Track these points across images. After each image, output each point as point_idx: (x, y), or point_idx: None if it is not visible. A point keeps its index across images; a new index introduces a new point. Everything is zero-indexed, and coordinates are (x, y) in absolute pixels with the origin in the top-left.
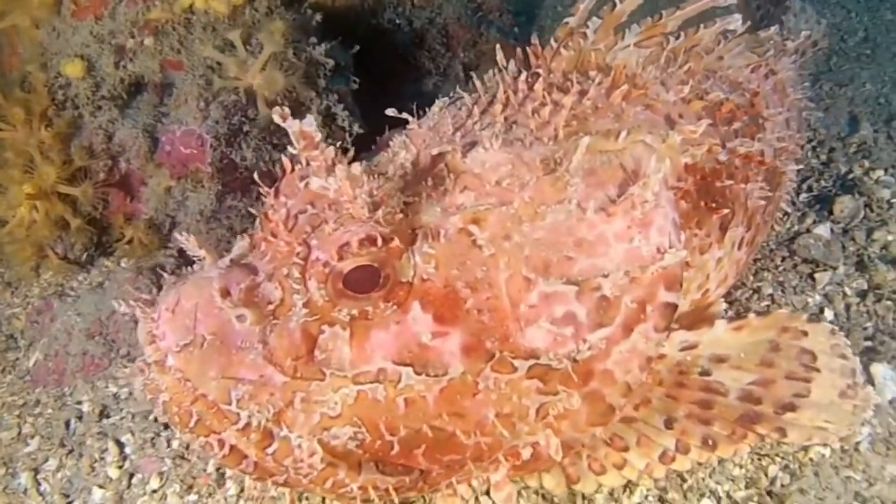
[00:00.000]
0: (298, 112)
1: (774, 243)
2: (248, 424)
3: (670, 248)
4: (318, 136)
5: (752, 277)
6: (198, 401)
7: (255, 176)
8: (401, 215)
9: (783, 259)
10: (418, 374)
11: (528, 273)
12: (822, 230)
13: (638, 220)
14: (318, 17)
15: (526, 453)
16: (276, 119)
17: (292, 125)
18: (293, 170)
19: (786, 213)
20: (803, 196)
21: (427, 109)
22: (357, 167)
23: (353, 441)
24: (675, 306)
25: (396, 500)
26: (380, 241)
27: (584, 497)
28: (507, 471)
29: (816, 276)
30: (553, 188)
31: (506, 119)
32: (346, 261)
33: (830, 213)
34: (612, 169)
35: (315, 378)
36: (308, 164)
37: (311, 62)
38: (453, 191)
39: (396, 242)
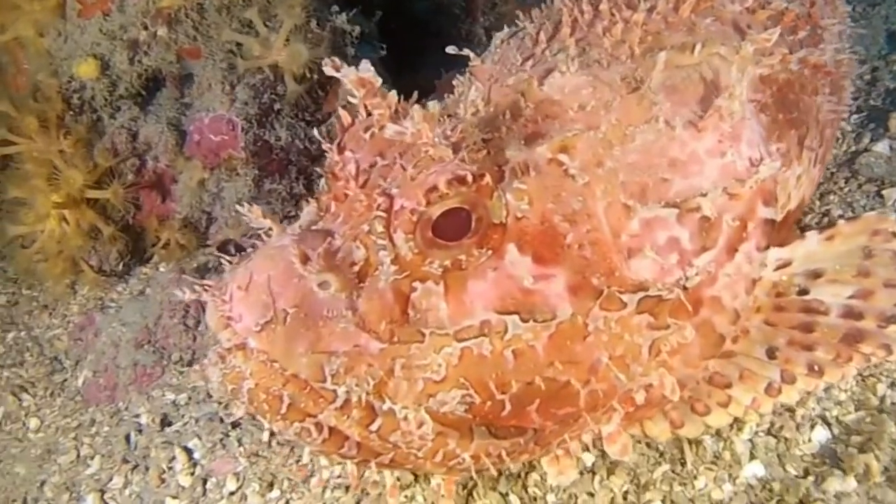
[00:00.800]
0: (330, 83)
1: (834, 165)
2: (347, 401)
3: (762, 161)
4: (379, 81)
5: (818, 202)
6: (289, 382)
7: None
8: (484, 152)
9: (846, 180)
10: (525, 321)
11: (627, 200)
12: (882, 147)
13: (728, 133)
14: None
15: (640, 397)
16: (329, 71)
17: (349, 73)
18: (353, 122)
19: (842, 134)
20: (855, 117)
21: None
22: (433, 106)
23: (461, 405)
24: (774, 222)
25: (512, 466)
26: (469, 179)
27: (690, 441)
28: (620, 419)
29: (884, 193)
30: (639, 107)
31: (577, 42)
32: (434, 205)
33: (886, 129)
34: (693, 83)
35: (414, 341)
36: (369, 113)
37: (336, 31)
38: (535, 121)
39: (487, 179)
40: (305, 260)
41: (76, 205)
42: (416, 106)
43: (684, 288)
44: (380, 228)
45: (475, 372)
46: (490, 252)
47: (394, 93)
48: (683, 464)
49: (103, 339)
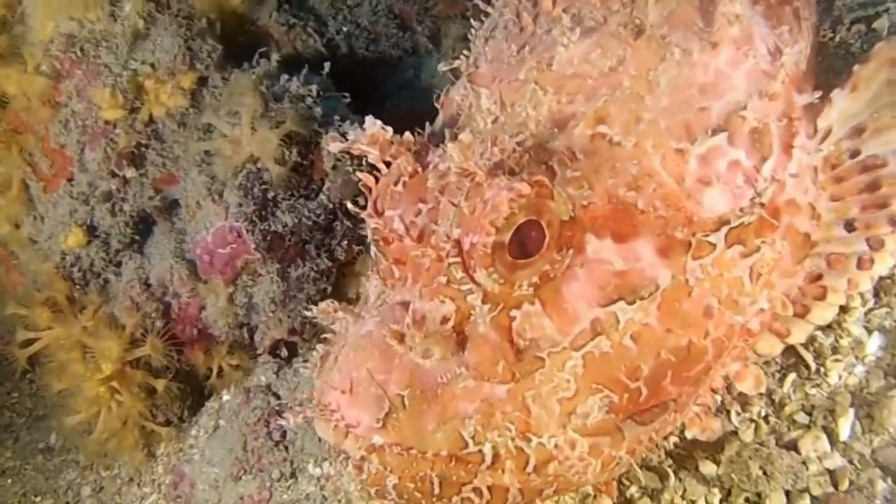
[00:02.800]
0: (312, 150)
1: None
2: (496, 455)
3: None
4: (389, 131)
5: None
6: (433, 462)
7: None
8: (526, 156)
9: (833, 30)
10: (631, 303)
11: (677, 144)
12: None
13: (741, 37)
14: (277, 57)
15: (755, 325)
16: (336, 147)
17: (358, 137)
18: (377, 181)
19: None
20: None
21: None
22: (465, 135)
23: (602, 409)
24: (812, 105)
25: (664, 443)
26: (526, 189)
27: (804, 345)
28: (744, 354)
29: (875, 25)
30: (650, 49)
31: (565, 11)
32: (503, 229)
33: None
34: (688, 2)
35: (535, 369)
36: (389, 165)
37: (295, 99)
38: (560, 104)
39: (542, 182)
40: (400, 338)
41: (121, 373)
42: (451, 144)
43: (761, 205)
44: (459, 274)
45: (604, 372)
46: (571, 251)
47: (408, 135)
48: (808, 367)
49: (200, 487)
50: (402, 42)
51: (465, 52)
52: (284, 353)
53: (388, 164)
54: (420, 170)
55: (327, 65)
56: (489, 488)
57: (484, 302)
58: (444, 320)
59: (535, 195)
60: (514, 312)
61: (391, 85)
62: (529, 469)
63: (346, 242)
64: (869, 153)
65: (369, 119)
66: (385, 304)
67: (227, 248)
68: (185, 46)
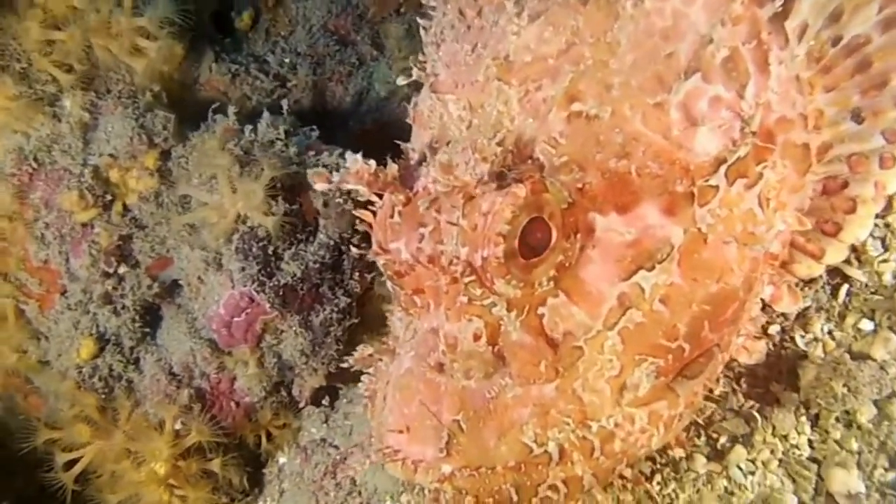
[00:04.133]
0: (297, 193)
1: None
2: (562, 451)
3: None
4: (372, 165)
5: None
6: (504, 475)
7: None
8: (509, 155)
9: None
10: (651, 269)
11: (654, 99)
12: None
13: None
14: (234, 109)
15: (776, 248)
16: (322, 186)
17: (343, 177)
18: (374, 215)
19: None
20: None
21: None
22: (443, 155)
23: (650, 377)
24: (779, 13)
25: (717, 388)
26: (521, 192)
27: (847, 261)
28: (773, 278)
29: None
30: (601, 11)
31: None
32: (509, 236)
33: None
34: None
35: (576, 358)
36: (381, 198)
37: (265, 146)
38: (528, 93)
39: (532, 177)
40: (440, 367)
41: (175, 468)
42: (436, 164)
43: (752, 133)
44: (478, 291)
45: (643, 342)
46: (579, 235)
47: (391, 166)
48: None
49: None
50: (347, 57)
51: (420, 59)
52: (327, 400)
53: (379, 196)
54: (411, 196)
55: (285, 102)
56: (564, 482)
57: (509, 310)
58: (476, 338)
59: (531, 193)
60: (541, 310)
61: (349, 102)
62: (597, 454)
63: (357, 274)
64: (851, 36)
65: (349, 156)
66: (415, 336)
67: (243, 315)
68: (138, 126)
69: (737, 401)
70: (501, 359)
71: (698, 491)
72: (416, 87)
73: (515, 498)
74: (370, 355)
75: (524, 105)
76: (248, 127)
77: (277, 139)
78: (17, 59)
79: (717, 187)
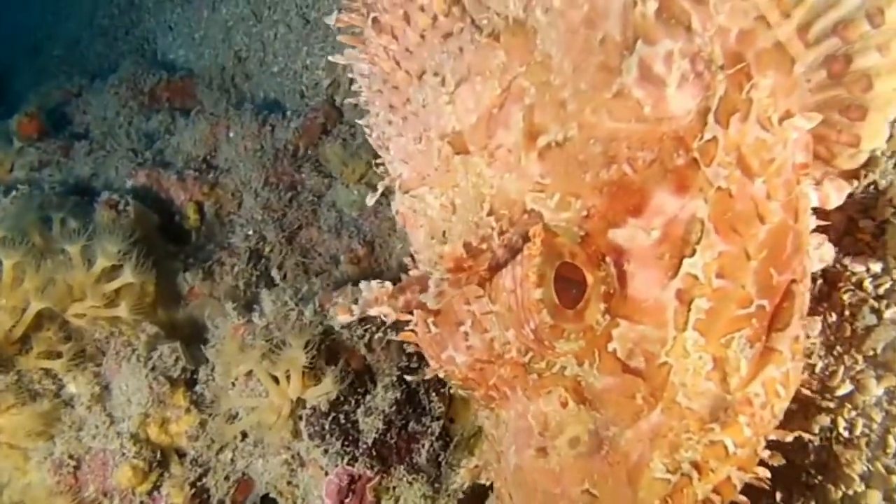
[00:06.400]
0: (338, 347)
1: None
2: (698, 466)
3: None
4: (388, 286)
5: None
6: None
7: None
8: (505, 219)
9: None
10: (693, 253)
11: (609, 90)
12: None
13: None
14: (230, 305)
15: (801, 157)
16: (346, 319)
17: (367, 306)
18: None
19: None
20: None
21: None
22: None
23: (745, 351)
24: None
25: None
26: (534, 248)
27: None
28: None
29: None
30: (518, 35)
31: (422, 76)
32: (546, 297)
33: None
34: None
35: (667, 373)
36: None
37: (281, 322)
38: (491, 152)
39: (536, 228)
40: (543, 452)
41: None
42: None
43: (720, 67)
44: (542, 364)
45: (721, 323)
46: (606, 259)
47: (407, 278)
48: None
49: None
50: (304, 198)
51: (378, 164)
52: None
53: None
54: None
55: (275, 271)
56: (714, 491)
57: (580, 363)
58: (564, 405)
59: (543, 245)
60: (610, 347)
61: (329, 237)
62: (732, 450)
63: (434, 394)
64: None
65: (363, 284)
66: (507, 428)
67: (351, 495)
68: (149, 370)
69: None
70: (597, 410)
71: None
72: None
73: None
74: (476, 467)
75: (493, 165)
76: (254, 313)
77: (289, 310)
78: (3, 371)
79: (714, 138)
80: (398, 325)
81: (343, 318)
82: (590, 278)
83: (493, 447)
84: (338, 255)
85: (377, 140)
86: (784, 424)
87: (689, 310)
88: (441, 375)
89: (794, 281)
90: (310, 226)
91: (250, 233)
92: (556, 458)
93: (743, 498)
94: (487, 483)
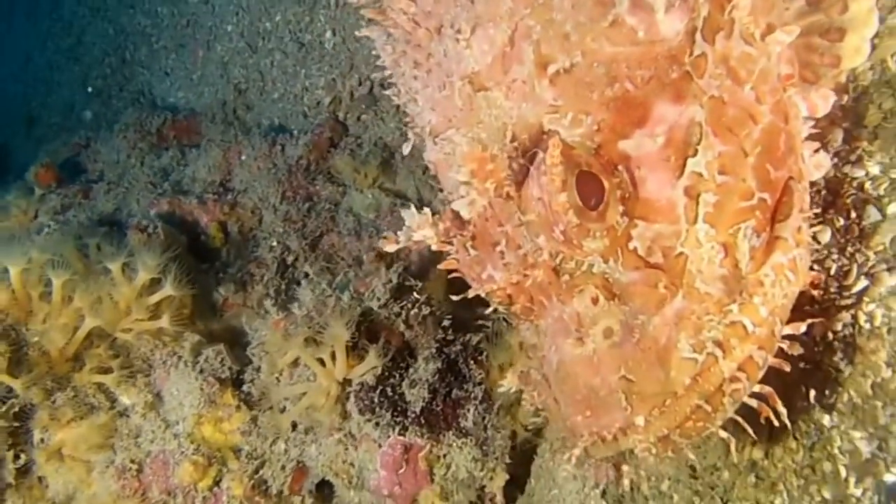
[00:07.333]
0: (376, 326)
1: None
2: (721, 345)
3: None
4: (428, 214)
5: None
6: (688, 394)
7: None
8: (526, 142)
9: None
10: (694, 154)
11: (605, 20)
12: None
13: None
14: (270, 302)
15: (785, 69)
16: (391, 248)
17: (409, 233)
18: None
19: None
20: None
21: None
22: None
23: (751, 238)
24: None
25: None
26: (554, 157)
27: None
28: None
29: None
30: None
31: (440, 29)
32: (570, 199)
33: None
34: None
35: (684, 262)
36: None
37: (320, 308)
38: (508, 86)
39: (555, 139)
40: (580, 342)
41: None
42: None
43: None
44: (572, 264)
45: (727, 214)
46: (620, 166)
47: (446, 210)
48: None
49: None
50: (321, 208)
51: (412, 126)
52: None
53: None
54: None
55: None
56: (739, 368)
57: (606, 261)
58: (595, 301)
59: (562, 155)
60: (631, 245)
61: (349, 242)
62: (751, 329)
63: (472, 361)
64: None
65: (405, 211)
66: (548, 333)
67: (405, 464)
68: (198, 373)
69: None
70: (625, 303)
71: None
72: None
73: (709, 408)
74: (522, 372)
75: (511, 97)
76: (293, 306)
77: (327, 297)
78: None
79: (703, 54)
80: (430, 303)
81: (390, 247)
82: (606, 184)
83: (536, 355)
84: (361, 255)
85: (405, 96)
86: (808, 328)
87: (697, 204)
88: (482, 294)
89: (791, 178)
90: (330, 232)
91: (274, 244)
92: (594, 348)
93: (768, 388)
94: (527, 396)
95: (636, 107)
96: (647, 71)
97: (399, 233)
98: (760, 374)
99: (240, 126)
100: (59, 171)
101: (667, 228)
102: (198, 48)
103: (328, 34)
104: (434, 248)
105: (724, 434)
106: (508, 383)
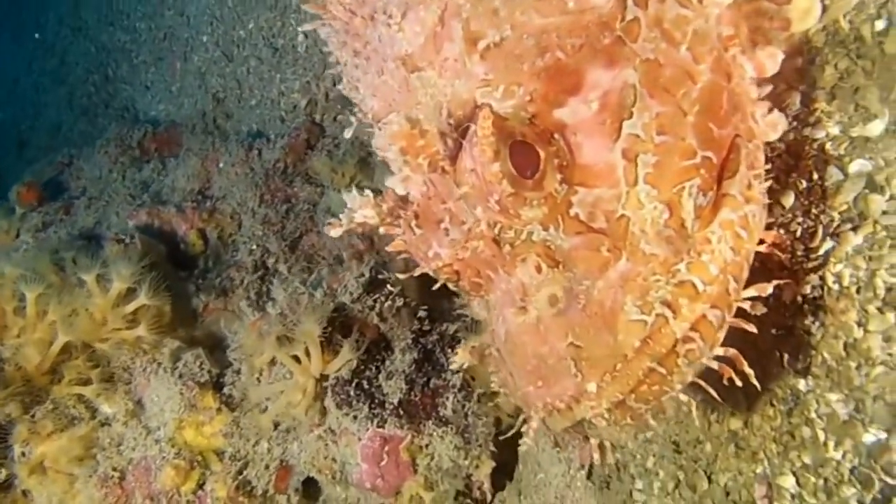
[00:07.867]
0: (350, 321)
1: None
2: (670, 304)
3: None
4: (370, 195)
5: None
6: (639, 357)
7: None
8: (461, 118)
9: None
10: (630, 116)
11: None
12: None
13: None
14: (245, 303)
15: (727, 30)
16: (336, 233)
17: (351, 215)
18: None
19: None
20: None
21: None
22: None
23: (697, 197)
24: None
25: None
26: (485, 128)
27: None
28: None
29: None
30: None
31: (373, 16)
32: (504, 169)
33: None
34: None
35: (626, 224)
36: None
37: (293, 307)
38: (440, 64)
39: (486, 111)
40: (524, 310)
41: None
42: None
43: None
44: (511, 233)
45: (669, 174)
46: (555, 135)
47: (387, 190)
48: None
49: None
50: (300, 209)
51: (356, 113)
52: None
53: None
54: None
55: (276, 280)
56: (692, 329)
57: (545, 227)
58: (538, 269)
59: (494, 126)
60: (572, 212)
61: (329, 240)
62: (701, 288)
63: (449, 349)
64: None
65: (347, 195)
66: (496, 305)
67: (386, 456)
68: (177, 378)
69: None
70: (570, 270)
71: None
72: None
73: (663, 370)
74: (473, 347)
75: (444, 75)
76: (268, 305)
77: (300, 294)
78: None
79: (636, 18)
80: (405, 294)
81: (335, 232)
82: (542, 153)
83: (487, 329)
84: (340, 254)
85: (348, 85)
86: (777, 293)
87: (636, 166)
88: (430, 273)
89: (738, 136)
90: (309, 232)
91: (254, 247)
92: (539, 317)
93: (733, 350)
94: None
95: (569, 75)
96: (579, 39)
97: (341, 216)
98: (719, 335)
99: (220, 134)
100: (43, 190)
101: (607, 192)
102: (175, 60)
103: (300, 37)
104: (382, 230)
105: (684, 398)
106: (459, 359)
